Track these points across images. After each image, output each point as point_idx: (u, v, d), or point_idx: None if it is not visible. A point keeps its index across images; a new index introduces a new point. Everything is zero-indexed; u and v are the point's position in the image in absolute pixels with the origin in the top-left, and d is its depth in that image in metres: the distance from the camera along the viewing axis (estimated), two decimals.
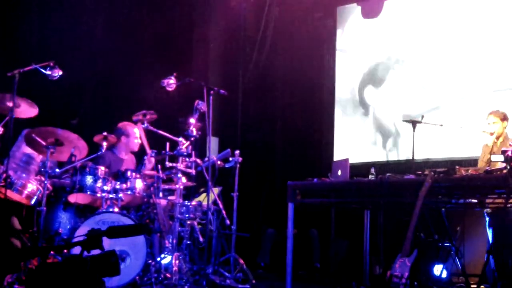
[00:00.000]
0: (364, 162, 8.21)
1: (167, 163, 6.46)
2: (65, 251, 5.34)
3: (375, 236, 7.07)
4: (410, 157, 6.28)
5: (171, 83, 6.71)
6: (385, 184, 5.81)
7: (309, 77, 8.77)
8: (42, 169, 6.23)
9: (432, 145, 7.76)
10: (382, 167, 7.35)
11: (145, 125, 6.72)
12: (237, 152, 7.05)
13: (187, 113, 6.62)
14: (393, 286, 5.01)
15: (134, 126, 7.05)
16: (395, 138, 8.36)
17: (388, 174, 5.86)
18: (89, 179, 6.31)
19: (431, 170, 5.35)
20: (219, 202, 6.92)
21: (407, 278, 4.93)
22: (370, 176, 6.07)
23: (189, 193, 7.09)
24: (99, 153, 6.54)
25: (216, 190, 6.96)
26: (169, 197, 6.67)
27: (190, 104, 6.64)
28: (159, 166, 6.56)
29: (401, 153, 8.20)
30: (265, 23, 9.03)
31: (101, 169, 6.37)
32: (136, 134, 7.09)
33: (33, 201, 6.40)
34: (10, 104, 6.19)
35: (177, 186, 6.44)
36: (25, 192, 6.37)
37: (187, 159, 6.54)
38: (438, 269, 6.28)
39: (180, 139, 6.51)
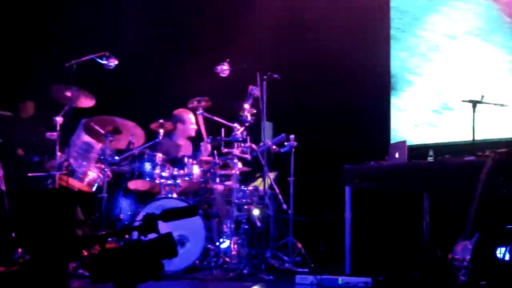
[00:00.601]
0: (422, 144, 8.08)
1: (222, 148, 6.51)
2: (127, 236, 5.45)
3: (435, 219, 6.96)
4: (470, 138, 6.15)
5: (224, 69, 6.75)
6: (444, 166, 5.72)
7: (363, 58, 8.63)
8: (102, 157, 6.37)
9: (492, 125, 7.57)
10: (441, 148, 7.20)
11: (200, 111, 6.77)
12: (292, 136, 7.03)
13: (241, 98, 6.64)
14: (455, 269, 4.94)
15: (189, 112, 7.13)
16: (454, 119, 8.18)
17: (447, 155, 5.76)
18: (147, 166, 6.42)
19: (492, 151, 5.23)
20: (275, 186, 6.93)
21: (469, 262, 4.85)
22: (428, 158, 5.98)
23: (245, 178, 7.12)
24: (156, 140, 6.63)
25: (272, 175, 6.97)
26: (226, 182, 6.71)
27: (244, 90, 6.65)
28: (215, 152, 6.61)
29: (461, 134, 8.02)
30: (316, 4, 8.94)
31: (159, 155, 6.47)
32: (192, 120, 7.18)
33: (94, 188, 6.56)
34: (68, 94, 6.34)
35: (233, 171, 6.49)
36: (86, 179, 6.54)
37: (242, 144, 6.58)
38: (501, 252, 6.14)
39: (235, 124, 6.55)
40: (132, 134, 6.46)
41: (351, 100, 8.78)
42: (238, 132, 6.50)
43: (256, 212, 6.82)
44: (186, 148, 7.29)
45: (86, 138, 6.49)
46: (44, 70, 7.66)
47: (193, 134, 7.26)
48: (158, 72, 8.62)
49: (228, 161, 6.61)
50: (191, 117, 7.20)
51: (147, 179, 6.43)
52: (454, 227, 5.40)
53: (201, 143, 6.99)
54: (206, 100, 6.82)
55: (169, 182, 6.40)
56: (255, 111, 6.65)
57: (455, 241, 5.09)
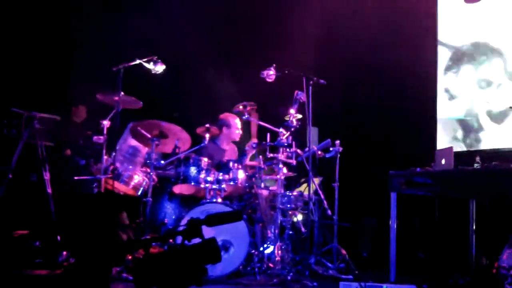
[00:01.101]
0: (468, 151, 7.96)
1: (268, 153, 6.53)
2: (171, 240, 5.50)
3: (481, 226, 6.85)
4: None
5: (270, 74, 6.75)
6: (491, 173, 5.63)
7: (409, 65, 8.55)
8: (148, 161, 6.44)
9: None
10: (488, 155, 7.08)
11: (246, 116, 6.81)
12: (337, 142, 7.01)
13: (287, 103, 6.64)
14: (501, 277, 4.86)
15: (235, 117, 7.17)
16: (501, 125, 8.04)
17: (494, 162, 5.67)
18: (192, 170, 6.47)
19: None
20: (320, 192, 6.91)
21: None
22: (475, 165, 5.89)
23: (290, 184, 7.12)
24: (202, 144, 6.68)
25: (316, 180, 6.95)
26: (271, 188, 6.72)
27: (290, 95, 6.65)
28: (261, 156, 6.63)
29: (508, 141, 7.87)
30: (363, 11, 8.90)
31: (204, 160, 6.52)
32: (237, 124, 7.22)
33: (139, 192, 6.64)
34: (115, 99, 6.43)
35: (278, 176, 6.49)
36: (132, 183, 6.62)
37: (287, 149, 6.58)
38: None
39: (281, 129, 6.56)
40: (178, 139, 6.52)
41: (397, 105, 8.71)
42: (284, 137, 6.51)
43: (300, 217, 6.81)
44: (231, 152, 7.33)
45: (133, 142, 6.58)
46: (93, 74, 7.79)
47: (237, 138, 7.31)
48: (204, 77, 8.69)
49: (273, 166, 6.62)
50: (237, 121, 7.25)
51: (192, 183, 6.48)
52: (500, 235, 5.32)
53: (247, 147, 7.02)
54: (251, 105, 6.85)
55: (214, 186, 6.44)
56: (300, 116, 6.65)
57: (501, 248, 5.01)
